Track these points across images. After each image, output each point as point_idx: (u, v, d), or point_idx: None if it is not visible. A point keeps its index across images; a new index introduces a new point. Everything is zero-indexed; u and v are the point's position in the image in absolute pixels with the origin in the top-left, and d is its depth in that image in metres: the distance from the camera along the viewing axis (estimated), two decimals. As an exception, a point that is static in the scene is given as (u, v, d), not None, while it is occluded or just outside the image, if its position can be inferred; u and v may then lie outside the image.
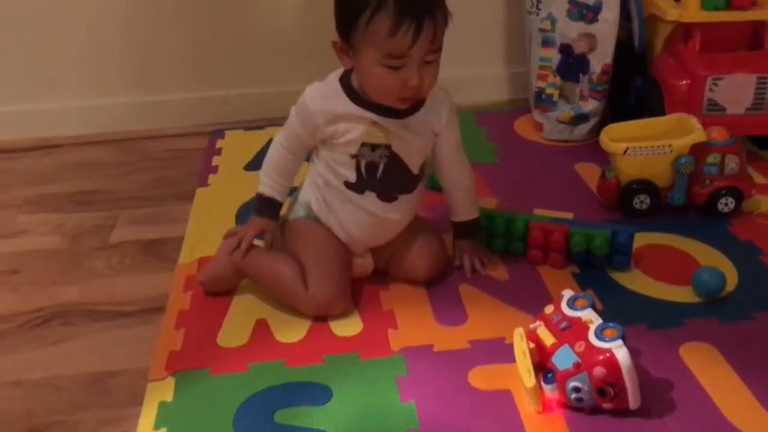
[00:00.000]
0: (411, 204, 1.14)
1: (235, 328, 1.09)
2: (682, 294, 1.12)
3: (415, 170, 1.11)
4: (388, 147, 1.07)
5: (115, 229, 1.39)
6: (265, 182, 1.14)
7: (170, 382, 0.99)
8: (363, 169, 1.08)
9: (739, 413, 0.90)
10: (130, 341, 1.08)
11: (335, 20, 1.02)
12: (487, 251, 1.22)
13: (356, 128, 1.05)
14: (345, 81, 1.07)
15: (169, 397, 0.96)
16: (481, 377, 0.97)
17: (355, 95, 1.06)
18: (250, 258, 1.13)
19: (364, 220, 1.11)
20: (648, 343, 1.01)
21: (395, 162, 1.08)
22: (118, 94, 1.81)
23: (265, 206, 1.15)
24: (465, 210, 1.20)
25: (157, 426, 0.92)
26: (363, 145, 1.06)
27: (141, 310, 1.15)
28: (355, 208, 1.11)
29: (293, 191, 1.19)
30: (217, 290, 1.15)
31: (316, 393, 0.96)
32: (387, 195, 1.10)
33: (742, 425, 0.88)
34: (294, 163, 1.14)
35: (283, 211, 1.18)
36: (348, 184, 1.09)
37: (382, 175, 1.08)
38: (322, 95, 1.07)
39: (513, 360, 0.97)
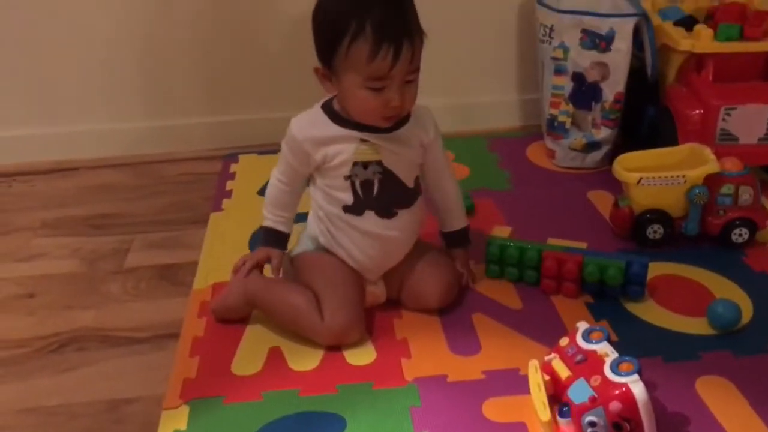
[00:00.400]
0: (412, 219, 1.14)
1: (249, 356, 1.09)
2: (697, 326, 1.11)
3: (410, 184, 1.13)
4: (379, 163, 1.09)
5: (131, 253, 1.40)
6: (268, 216, 1.18)
7: (184, 410, 0.99)
8: (359, 189, 1.10)
9: (755, 449, 0.90)
10: (144, 368, 1.09)
11: (315, 48, 1.06)
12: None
13: (346, 149, 1.08)
14: (327, 106, 1.10)
15: (183, 426, 0.96)
16: (495, 409, 0.97)
17: (338, 118, 1.09)
18: (263, 288, 1.14)
19: (367, 242, 1.12)
20: (664, 376, 1.00)
21: (389, 177, 1.10)
22: (134, 118, 1.83)
23: (271, 237, 1.18)
24: (457, 219, 1.23)
25: (171, 455, 0.92)
26: (355, 164, 1.08)
27: (156, 336, 1.16)
28: (356, 232, 1.12)
29: (303, 216, 1.20)
30: (228, 318, 1.16)
31: (329, 423, 0.96)
32: (386, 211, 1.11)
33: (758, 461, 0.88)
34: (292, 195, 1.17)
35: (291, 245, 1.19)
36: (346, 208, 1.11)
37: (378, 192, 1.10)
38: (308, 123, 1.10)
39: (527, 392, 0.97)
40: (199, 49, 1.79)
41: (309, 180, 1.16)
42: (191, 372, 1.06)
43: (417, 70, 1.05)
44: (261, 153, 1.80)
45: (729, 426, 0.93)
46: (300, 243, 1.19)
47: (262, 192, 1.59)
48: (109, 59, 1.77)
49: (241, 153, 1.80)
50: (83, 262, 1.38)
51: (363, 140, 1.07)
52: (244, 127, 1.86)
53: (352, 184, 1.09)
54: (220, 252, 1.36)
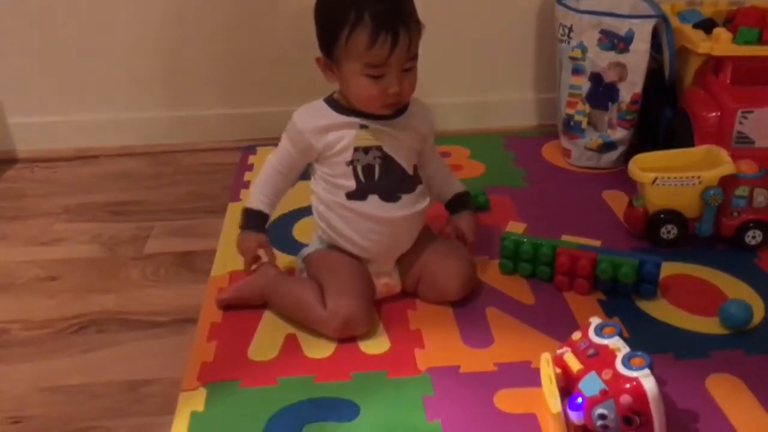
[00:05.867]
0: (415, 203, 1.16)
1: (265, 342, 1.11)
2: (708, 325, 1.12)
3: (410, 170, 1.16)
4: (379, 148, 1.13)
5: (150, 240, 1.42)
6: (254, 196, 1.20)
7: (202, 392, 1.01)
8: (361, 174, 1.13)
9: (763, 446, 0.91)
10: (163, 351, 1.11)
11: (317, 38, 1.11)
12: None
13: (347, 134, 1.12)
14: (329, 98, 1.16)
15: (200, 408, 0.99)
16: (507, 400, 0.99)
17: (339, 107, 1.14)
18: (273, 282, 1.16)
19: (372, 228, 1.14)
20: (674, 373, 1.01)
21: (389, 162, 1.14)
22: (155, 108, 1.85)
23: (252, 218, 1.19)
24: (456, 186, 1.29)
25: (189, 435, 0.94)
26: (356, 149, 1.12)
27: (174, 320, 1.18)
28: (360, 219, 1.14)
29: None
30: (235, 306, 1.18)
31: (343, 409, 0.98)
32: (389, 195, 1.14)
33: (766, 459, 0.89)
34: (285, 182, 1.20)
35: (307, 250, 1.21)
36: (350, 194, 1.13)
37: (379, 176, 1.13)
38: (309, 114, 1.14)
39: (539, 384, 0.98)
40: (220, 40, 1.81)
41: (309, 173, 1.18)
42: (209, 356, 1.08)
43: (415, 57, 1.08)
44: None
45: (738, 423, 0.94)
46: (311, 243, 1.22)
47: (279, 183, 1.62)
48: (131, 50, 1.79)
49: (259, 145, 1.82)
50: (104, 247, 1.41)
51: (363, 126, 1.12)
52: (263, 119, 1.88)
53: (354, 170, 1.12)
54: (238, 241, 1.39)
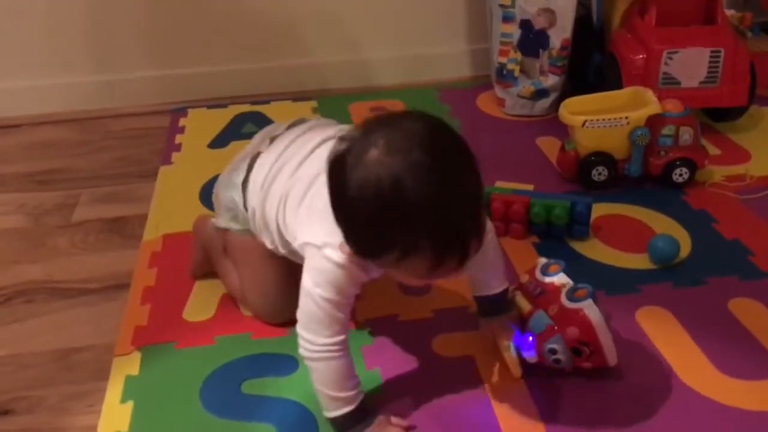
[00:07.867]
0: None
1: (200, 303, 1.09)
2: (638, 261, 1.15)
3: None
4: None
5: (78, 208, 1.38)
6: (340, 397, 0.85)
7: (136, 356, 0.99)
8: None
9: (691, 373, 0.93)
10: (94, 318, 1.08)
11: (343, 235, 0.78)
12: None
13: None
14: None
15: (135, 371, 0.97)
16: (445, 345, 1.00)
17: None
18: (214, 255, 1.10)
19: None
20: (606, 308, 1.03)
21: None
22: (78, 73, 1.78)
23: (356, 417, 0.86)
24: (486, 281, 0.97)
25: (123, 399, 0.92)
26: None
27: (105, 287, 1.15)
28: None
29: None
30: (204, 273, 1.13)
31: (281, 364, 0.97)
32: None
33: (694, 384, 0.92)
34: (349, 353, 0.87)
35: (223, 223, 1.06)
36: None
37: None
38: (355, 270, 0.83)
39: (476, 328, 0.99)
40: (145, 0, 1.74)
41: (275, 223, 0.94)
42: (142, 319, 1.06)
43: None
44: (210, 107, 1.78)
45: (667, 352, 0.97)
46: (221, 214, 1.05)
47: (212, 145, 1.59)
48: (52, 11, 1.71)
49: (189, 107, 1.78)
50: (29, 217, 1.35)
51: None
52: (193, 81, 1.83)
53: None
54: (171, 204, 1.35)
